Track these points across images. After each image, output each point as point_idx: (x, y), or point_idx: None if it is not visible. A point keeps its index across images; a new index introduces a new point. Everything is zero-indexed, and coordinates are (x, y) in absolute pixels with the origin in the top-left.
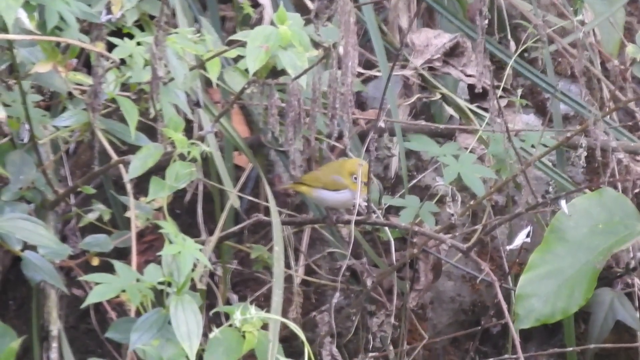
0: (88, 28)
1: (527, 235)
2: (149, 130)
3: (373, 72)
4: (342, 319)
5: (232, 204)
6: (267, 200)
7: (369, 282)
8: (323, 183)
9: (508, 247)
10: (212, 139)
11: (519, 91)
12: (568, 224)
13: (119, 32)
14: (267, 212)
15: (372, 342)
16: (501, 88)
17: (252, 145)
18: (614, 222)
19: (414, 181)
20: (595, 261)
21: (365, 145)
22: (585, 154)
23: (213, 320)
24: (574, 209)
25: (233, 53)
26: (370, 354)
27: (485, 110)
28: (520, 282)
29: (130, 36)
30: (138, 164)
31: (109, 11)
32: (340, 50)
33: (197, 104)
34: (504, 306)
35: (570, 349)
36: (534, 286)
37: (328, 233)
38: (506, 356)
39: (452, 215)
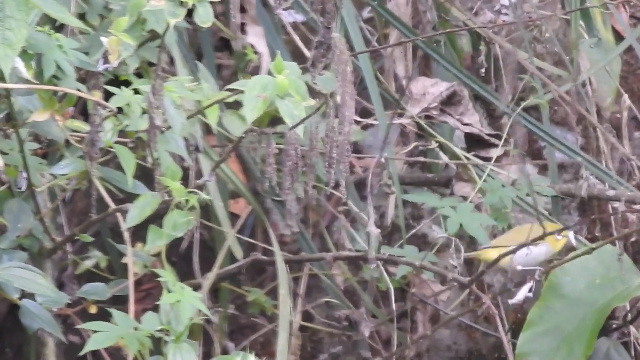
0: (85, 76)
1: (530, 290)
2: (147, 177)
3: (369, 121)
4: None
5: (229, 246)
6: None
7: (366, 332)
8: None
9: (510, 302)
10: (212, 185)
11: (513, 140)
12: (565, 279)
13: (116, 79)
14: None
15: None
16: (503, 139)
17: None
18: (611, 277)
19: (413, 231)
20: (593, 317)
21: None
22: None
23: None
24: (570, 264)
25: (231, 99)
26: None
27: (482, 159)
28: (519, 340)
29: (128, 83)
30: (136, 213)
31: (106, 60)
32: (337, 99)
33: (197, 149)
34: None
35: None
36: (533, 344)
37: (325, 280)
38: None
39: (455, 267)
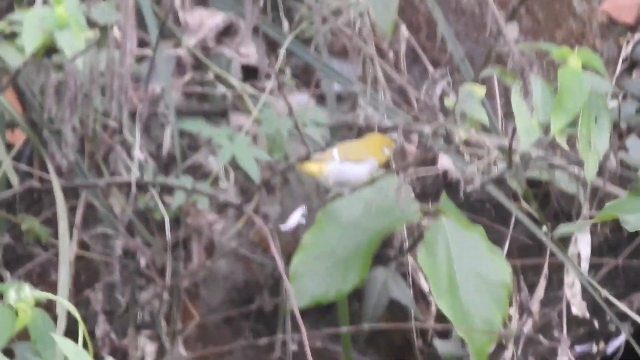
0: None
1: (302, 216)
2: None
3: (146, 51)
4: (114, 297)
5: (4, 172)
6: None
7: (142, 261)
8: (344, 154)
9: (282, 227)
10: None
11: (289, 70)
12: (341, 206)
13: None
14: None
15: (141, 316)
16: (277, 68)
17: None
18: (388, 205)
19: (188, 161)
20: (368, 242)
21: (137, 123)
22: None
23: None
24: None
25: (8, 30)
26: (143, 332)
27: (259, 89)
28: (293, 262)
29: None
30: None
31: None
32: (116, 31)
33: None
34: (286, 279)
35: (345, 328)
36: (306, 266)
37: (102, 210)
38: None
39: (226, 190)
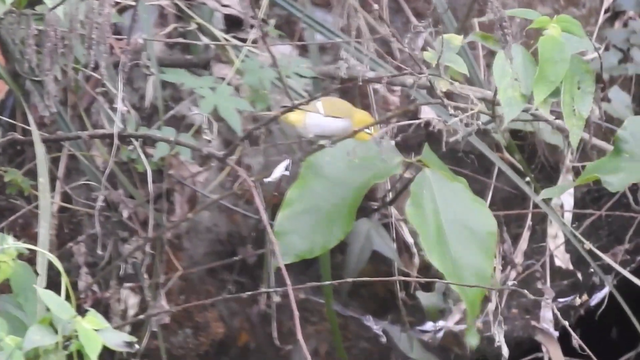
0: None
1: (286, 169)
2: None
3: (128, 1)
4: (97, 250)
5: None
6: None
7: (125, 213)
8: (329, 109)
9: (265, 180)
10: None
11: (273, 21)
12: (324, 159)
13: None
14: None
15: (124, 269)
16: (259, 18)
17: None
18: (371, 157)
19: (171, 112)
20: (352, 195)
21: (119, 74)
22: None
23: None
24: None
25: None
26: (126, 284)
27: (241, 40)
28: (277, 219)
29: None
30: None
31: None
32: None
33: None
34: (271, 235)
35: (327, 282)
36: (292, 222)
37: (85, 162)
38: (263, 289)
39: (209, 141)
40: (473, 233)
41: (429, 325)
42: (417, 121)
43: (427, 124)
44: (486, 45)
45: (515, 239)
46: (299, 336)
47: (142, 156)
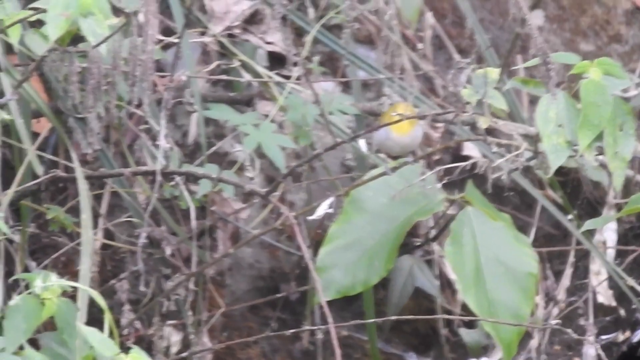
0: None
1: (330, 206)
2: None
3: (172, 39)
4: (139, 287)
5: (29, 162)
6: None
7: (167, 250)
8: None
9: (309, 218)
10: (14, 104)
11: (316, 58)
12: (367, 194)
13: None
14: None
15: (166, 306)
16: (303, 56)
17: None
18: (414, 193)
19: (213, 149)
20: (394, 231)
21: (162, 111)
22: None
23: (12, 287)
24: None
25: (34, 19)
26: (168, 322)
27: (284, 77)
28: (320, 254)
29: None
30: None
31: None
32: (141, 17)
33: None
34: (313, 272)
35: (371, 320)
36: (334, 258)
37: (127, 199)
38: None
39: (252, 178)
40: (512, 273)
41: None
42: (463, 163)
43: (474, 165)
44: (526, 89)
45: (558, 276)
46: None
47: (185, 193)
